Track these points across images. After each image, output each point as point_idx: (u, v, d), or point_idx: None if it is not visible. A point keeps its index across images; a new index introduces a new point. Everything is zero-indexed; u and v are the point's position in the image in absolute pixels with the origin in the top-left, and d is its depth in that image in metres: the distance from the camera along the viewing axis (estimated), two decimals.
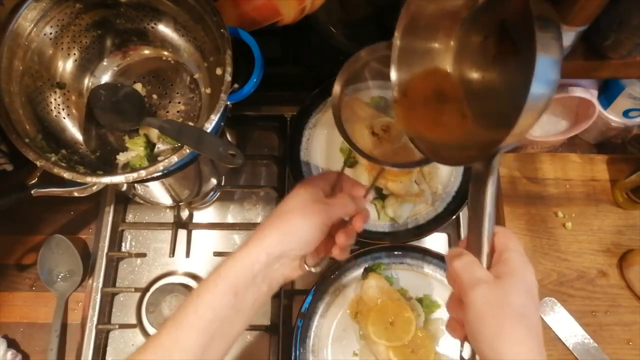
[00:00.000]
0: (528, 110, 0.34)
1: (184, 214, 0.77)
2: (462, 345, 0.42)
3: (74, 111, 0.61)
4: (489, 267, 0.41)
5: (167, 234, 0.74)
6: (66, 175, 0.51)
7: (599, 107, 0.69)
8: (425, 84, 0.48)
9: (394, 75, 0.48)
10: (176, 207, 0.75)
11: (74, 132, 0.60)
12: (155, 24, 0.62)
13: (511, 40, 0.40)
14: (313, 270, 0.49)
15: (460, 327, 0.41)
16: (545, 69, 0.34)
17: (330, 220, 0.47)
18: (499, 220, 0.75)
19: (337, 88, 0.51)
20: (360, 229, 0.51)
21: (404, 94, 0.48)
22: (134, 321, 0.70)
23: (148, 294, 0.71)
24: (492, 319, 0.37)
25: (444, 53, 0.47)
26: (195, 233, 0.76)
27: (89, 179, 0.51)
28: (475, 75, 0.46)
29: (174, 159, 0.51)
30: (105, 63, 0.64)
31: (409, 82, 0.48)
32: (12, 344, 0.70)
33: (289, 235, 0.45)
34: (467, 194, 0.71)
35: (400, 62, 0.48)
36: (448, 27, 0.46)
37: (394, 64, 0.48)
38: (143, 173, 0.51)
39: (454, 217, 0.72)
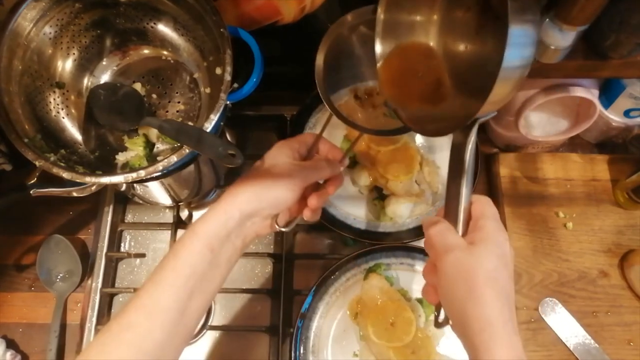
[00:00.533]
0: (502, 78, 0.35)
1: (184, 214, 0.77)
2: (436, 311, 0.44)
3: (73, 111, 0.61)
4: (464, 234, 0.42)
5: (167, 234, 0.74)
6: (65, 175, 0.51)
7: (599, 107, 0.69)
8: (409, 56, 0.49)
9: (378, 47, 0.49)
10: (175, 207, 0.74)
11: (73, 132, 0.60)
12: (154, 23, 0.62)
13: (493, 10, 0.41)
14: (284, 229, 0.50)
15: (434, 293, 0.43)
16: (519, 34, 0.34)
17: (304, 183, 0.48)
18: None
19: (320, 54, 0.51)
20: (332, 192, 0.52)
21: (388, 65, 0.49)
22: None
23: None
24: (462, 283, 0.38)
25: (428, 25, 0.48)
26: None
27: (88, 179, 0.51)
28: (458, 47, 0.47)
29: (174, 158, 0.51)
30: (104, 63, 0.63)
31: (393, 54, 0.49)
32: (11, 344, 0.70)
33: (262, 194, 0.46)
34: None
35: (384, 35, 0.49)
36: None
37: (378, 37, 0.49)
38: (142, 173, 0.51)
39: None
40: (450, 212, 0.43)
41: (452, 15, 0.47)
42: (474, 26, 0.44)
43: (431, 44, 0.49)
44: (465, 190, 0.42)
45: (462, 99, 0.45)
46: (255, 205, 0.46)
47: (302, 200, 0.50)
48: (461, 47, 0.47)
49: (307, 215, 0.51)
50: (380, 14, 0.48)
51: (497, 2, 0.40)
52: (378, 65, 0.49)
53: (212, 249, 0.44)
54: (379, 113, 0.55)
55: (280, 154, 0.49)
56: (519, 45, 0.35)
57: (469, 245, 0.40)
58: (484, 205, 0.42)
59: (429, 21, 0.48)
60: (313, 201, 0.50)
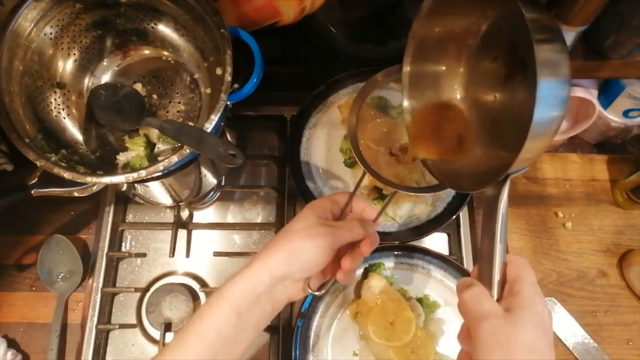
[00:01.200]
0: (534, 134, 0.33)
1: (184, 214, 0.77)
2: None
3: (74, 111, 0.61)
4: (499, 299, 0.39)
5: (167, 234, 0.74)
6: (66, 175, 0.51)
7: (599, 107, 0.69)
8: (437, 109, 0.48)
9: (405, 101, 0.48)
10: (176, 207, 0.75)
11: (74, 132, 0.60)
12: (155, 24, 0.62)
13: (520, 58, 0.40)
14: (317, 293, 0.48)
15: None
16: (550, 88, 0.32)
17: (336, 244, 0.46)
18: None
19: (353, 118, 0.51)
20: (367, 253, 0.49)
21: (417, 119, 0.48)
22: (134, 321, 0.70)
23: (148, 294, 0.71)
24: (501, 354, 0.36)
25: (455, 76, 0.47)
26: (195, 233, 0.76)
27: (89, 179, 0.51)
28: (487, 98, 0.45)
29: (174, 159, 0.51)
30: (105, 63, 0.64)
31: (421, 108, 0.48)
32: (12, 344, 0.70)
33: (294, 257, 0.45)
34: (467, 194, 0.72)
35: (411, 88, 0.48)
36: (457, 50, 0.46)
37: (405, 90, 0.48)
38: (143, 173, 0.51)
39: (454, 217, 0.72)
40: (483, 273, 0.40)
41: (479, 66, 0.45)
42: (503, 76, 0.43)
43: (458, 96, 0.48)
44: (499, 250, 0.39)
45: (493, 153, 0.43)
46: (286, 268, 0.44)
47: (336, 261, 0.49)
48: (490, 98, 0.45)
49: (341, 278, 0.49)
50: (406, 67, 0.47)
51: (525, 54, 0.39)
52: (406, 120, 0.48)
53: (239, 313, 0.43)
54: (413, 168, 0.54)
55: (311, 215, 0.48)
56: (549, 101, 0.33)
57: (505, 312, 0.37)
58: (520, 267, 0.40)
59: (456, 72, 0.47)
60: (347, 263, 0.48)
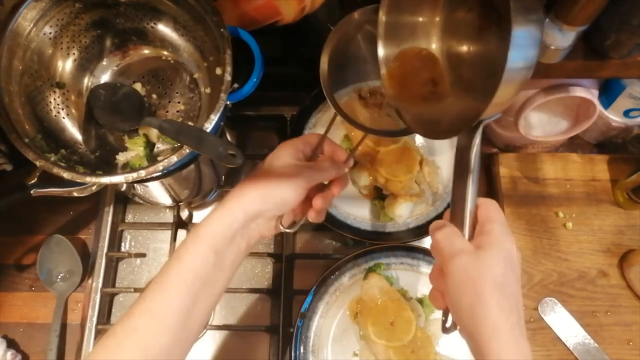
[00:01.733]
0: (506, 79, 0.34)
1: (184, 214, 0.77)
2: (444, 316, 0.43)
3: (73, 111, 0.61)
4: (471, 238, 0.41)
5: (167, 234, 0.74)
6: (66, 175, 0.51)
7: (599, 107, 0.69)
8: (412, 57, 0.49)
9: (380, 50, 0.49)
10: (176, 207, 0.75)
11: (74, 132, 0.60)
12: (155, 23, 0.62)
13: (496, 10, 0.41)
14: (288, 230, 0.50)
15: (441, 297, 0.42)
16: (522, 36, 0.34)
17: (308, 184, 0.47)
18: None
19: (325, 52, 0.52)
20: (337, 194, 0.52)
21: (391, 66, 0.49)
22: None
23: None
24: (470, 288, 0.38)
25: (430, 27, 0.48)
26: None
27: (88, 179, 0.51)
28: (461, 48, 0.46)
29: (174, 158, 0.51)
30: (104, 63, 0.64)
31: (396, 56, 0.49)
32: (11, 344, 0.70)
33: (267, 195, 0.46)
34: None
35: (387, 37, 0.49)
36: (432, 1, 0.47)
37: (381, 39, 0.49)
38: (143, 173, 0.51)
39: None
40: (456, 215, 0.42)
41: (455, 17, 0.47)
42: (477, 27, 0.44)
43: (434, 45, 0.49)
44: (471, 193, 0.41)
45: (466, 101, 0.44)
46: (260, 206, 0.46)
47: (307, 202, 0.50)
48: (464, 48, 0.46)
49: (312, 216, 0.51)
50: (382, 16, 0.48)
51: (500, 3, 0.40)
52: (381, 67, 0.49)
53: (216, 251, 0.44)
54: (382, 113, 0.55)
55: (284, 155, 0.49)
56: (522, 47, 0.34)
57: (476, 249, 0.39)
58: (490, 209, 0.41)
59: (431, 23, 0.48)
60: (318, 202, 0.50)
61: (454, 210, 0.43)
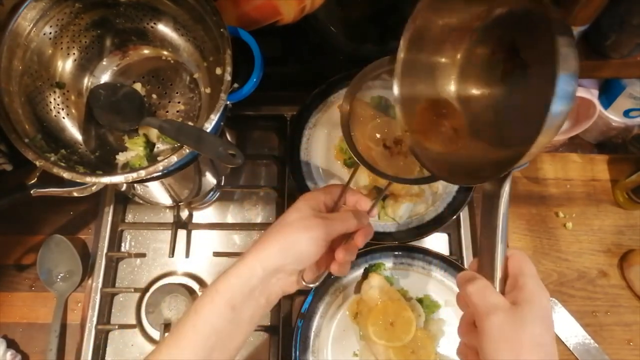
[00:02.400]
0: (547, 128, 0.33)
1: (184, 214, 0.77)
2: None
3: (73, 111, 0.61)
4: (502, 292, 0.40)
5: (167, 234, 0.74)
6: (66, 175, 0.51)
7: (599, 107, 0.69)
8: (430, 101, 0.48)
9: (396, 90, 0.47)
10: (176, 207, 0.75)
11: (74, 132, 0.60)
12: (154, 23, 0.62)
13: (520, 55, 0.40)
14: (311, 285, 0.48)
15: (472, 353, 0.40)
16: (566, 83, 0.32)
17: (330, 236, 0.46)
18: None
19: (345, 107, 0.51)
20: (361, 245, 0.49)
21: (409, 109, 0.47)
22: (133, 321, 0.70)
23: (147, 295, 0.71)
24: (508, 348, 0.36)
25: (450, 68, 0.47)
26: (194, 233, 0.76)
27: (88, 179, 0.51)
28: (482, 92, 0.45)
29: (174, 158, 0.51)
30: (104, 63, 0.63)
31: (413, 97, 0.47)
32: (11, 344, 0.70)
33: (287, 249, 0.44)
34: (468, 193, 0.72)
35: (404, 77, 0.47)
36: (454, 42, 0.46)
37: (397, 78, 0.47)
38: (142, 173, 0.51)
39: (455, 217, 0.71)
40: (484, 266, 0.40)
41: (475, 60, 0.45)
42: (499, 72, 0.42)
43: (452, 89, 0.47)
44: (500, 244, 0.39)
45: (492, 147, 0.43)
46: (279, 260, 0.44)
47: (330, 254, 0.48)
48: (485, 93, 0.45)
49: (335, 270, 0.49)
50: (401, 54, 0.46)
51: (526, 45, 0.39)
52: (397, 110, 0.47)
53: (233, 306, 0.43)
54: (408, 162, 0.53)
55: (304, 207, 0.47)
56: (564, 96, 0.33)
57: (511, 306, 0.37)
58: (522, 261, 0.40)
59: (451, 65, 0.46)
60: (340, 255, 0.48)
61: (482, 260, 0.41)
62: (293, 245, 0.45)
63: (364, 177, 0.72)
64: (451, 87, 0.47)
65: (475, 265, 0.42)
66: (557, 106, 0.32)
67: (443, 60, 0.47)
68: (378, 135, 0.68)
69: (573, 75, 0.33)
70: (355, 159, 0.50)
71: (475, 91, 0.46)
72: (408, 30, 0.45)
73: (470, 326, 0.40)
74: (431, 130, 0.47)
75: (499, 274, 0.39)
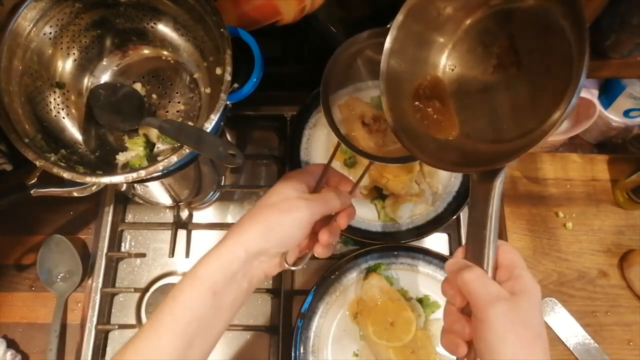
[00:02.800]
0: (557, 125, 0.33)
1: (184, 214, 0.77)
2: None
3: (73, 111, 0.61)
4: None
5: (167, 234, 0.74)
6: (66, 175, 0.51)
7: (599, 107, 0.69)
8: (417, 80, 0.46)
9: (383, 64, 0.45)
10: (176, 207, 0.75)
11: (74, 132, 0.60)
12: (154, 23, 0.62)
13: (517, 52, 0.40)
14: (293, 268, 0.47)
15: (463, 344, 0.39)
16: (576, 98, 0.33)
17: (314, 218, 0.45)
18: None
19: (328, 69, 0.50)
20: (344, 225, 0.49)
21: (394, 85, 0.46)
22: (133, 321, 0.70)
23: (147, 294, 0.71)
24: (513, 338, 0.35)
25: (443, 49, 0.46)
26: (195, 233, 0.76)
27: (88, 179, 0.51)
28: (472, 82, 0.44)
29: (174, 158, 0.51)
30: (104, 63, 0.63)
31: (399, 74, 0.46)
32: (11, 344, 0.70)
33: (269, 231, 0.43)
34: (468, 193, 0.72)
35: (393, 52, 0.45)
36: (450, 26, 0.45)
37: (386, 54, 0.45)
38: (143, 173, 0.51)
39: (455, 217, 0.72)
40: (474, 255, 0.40)
41: (469, 45, 0.44)
42: (491, 66, 0.42)
43: (442, 69, 0.46)
44: (492, 236, 0.39)
45: (480, 138, 0.42)
46: (262, 243, 0.43)
47: (313, 236, 0.48)
48: (475, 84, 0.44)
49: (319, 252, 0.48)
50: (400, 16, 0.44)
51: (526, 44, 0.39)
52: (381, 83, 0.46)
53: (214, 291, 0.41)
54: (388, 140, 0.52)
55: (286, 188, 0.46)
56: (572, 109, 0.33)
57: (511, 296, 0.37)
58: (512, 254, 0.40)
59: (444, 46, 0.46)
60: (324, 236, 0.47)
61: (470, 249, 0.40)
62: (276, 228, 0.43)
63: (364, 177, 0.72)
64: (441, 67, 0.46)
65: (462, 253, 0.41)
66: (564, 117, 0.33)
67: (438, 39, 0.46)
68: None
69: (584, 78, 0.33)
70: (334, 133, 0.49)
71: (465, 81, 0.45)
72: (405, 6, 0.44)
73: (461, 315, 0.40)
74: (417, 111, 0.46)
75: (491, 263, 0.39)
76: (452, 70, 0.46)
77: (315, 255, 0.49)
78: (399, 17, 0.44)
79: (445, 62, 0.46)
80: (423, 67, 0.47)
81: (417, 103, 0.46)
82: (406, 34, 0.45)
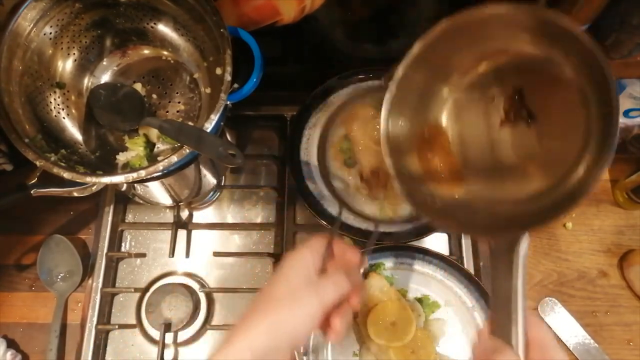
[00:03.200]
0: (591, 185, 0.31)
1: (184, 214, 0.77)
2: None
3: (73, 111, 0.61)
4: None
5: (167, 234, 0.74)
6: (66, 175, 0.51)
7: None
8: (420, 137, 0.44)
9: (384, 124, 0.43)
10: (176, 207, 0.75)
11: (74, 132, 0.60)
12: (155, 23, 0.62)
13: (525, 105, 0.38)
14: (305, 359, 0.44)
15: None
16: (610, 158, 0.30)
17: (324, 308, 0.41)
18: None
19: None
20: (357, 306, 0.45)
21: (396, 145, 0.43)
22: (133, 321, 0.70)
23: (148, 294, 0.71)
24: None
25: (443, 105, 0.43)
26: (195, 233, 0.76)
27: (88, 179, 0.51)
28: (479, 136, 0.42)
29: (174, 158, 0.51)
30: (104, 63, 0.64)
31: (402, 133, 0.43)
32: (11, 344, 0.70)
33: (277, 329, 0.39)
34: None
35: (393, 106, 0.43)
36: (456, 76, 0.43)
37: (386, 107, 0.43)
38: (143, 173, 0.51)
39: None
40: (501, 332, 0.36)
41: (473, 100, 0.42)
42: (499, 119, 0.40)
43: (444, 125, 0.43)
44: (521, 312, 0.36)
45: (504, 200, 0.39)
46: (270, 342, 0.39)
47: (324, 321, 0.43)
48: (483, 138, 0.41)
49: (333, 339, 0.44)
50: (393, 86, 0.42)
51: (538, 99, 0.37)
52: (382, 141, 0.43)
53: None
54: (390, 194, 0.50)
55: (292, 275, 0.43)
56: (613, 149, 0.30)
57: None
58: (543, 331, 0.37)
59: (445, 100, 0.43)
60: (337, 323, 0.43)
61: (499, 324, 0.37)
62: (285, 324, 0.39)
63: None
64: (444, 123, 0.44)
65: (489, 327, 0.38)
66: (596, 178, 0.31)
67: (440, 93, 0.43)
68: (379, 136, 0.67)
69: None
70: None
71: (470, 133, 0.42)
72: (409, 57, 0.41)
73: None
74: (423, 169, 0.43)
75: (521, 344, 0.36)
76: (456, 125, 0.44)
77: (330, 342, 0.45)
78: (399, 73, 0.42)
79: (448, 117, 0.44)
80: (425, 123, 0.44)
81: (421, 161, 0.44)
82: (406, 90, 0.43)
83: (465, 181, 0.42)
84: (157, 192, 0.68)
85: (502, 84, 0.40)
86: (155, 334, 0.69)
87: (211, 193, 0.76)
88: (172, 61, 0.64)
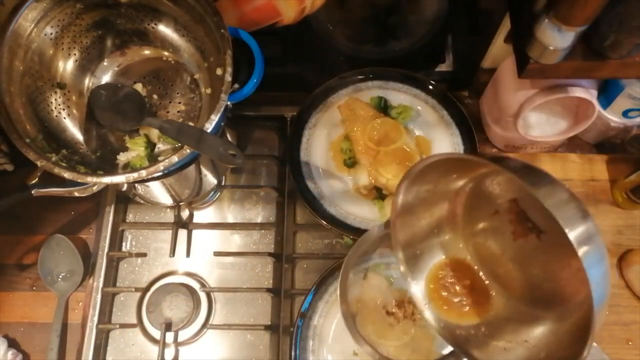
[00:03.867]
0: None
1: (184, 213, 0.77)
2: None
3: (74, 111, 0.61)
4: None
5: (168, 234, 0.74)
6: (67, 175, 0.51)
7: (598, 107, 0.69)
8: (437, 265, 0.46)
9: (402, 267, 0.45)
10: (176, 207, 0.75)
11: (75, 132, 0.60)
12: (155, 24, 0.62)
13: (528, 218, 0.38)
14: None
15: None
16: (598, 276, 0.31)
17: None
18: None
19: (345, 307, 0.50)
20: None
21: (422, 278, 0.45)
22: (134, 321, 0.70)
23: (148, 294, 0.71)
24: None
25: (454, 231, 0.45)
26: (195, 233, 0.76)
27: (89, 179, 0.51)
28: (495, 255, 0.42)
29: (175, 159, 0.51)
30: (105, 63, 0.64)
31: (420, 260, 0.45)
32: (12, 343, 0.70)
33: None
34: None
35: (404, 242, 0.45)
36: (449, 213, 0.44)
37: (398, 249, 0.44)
38: (144, 173, 0.51)
39: None
40: None
41: (480, 221, 0.43)
42: (510, 233, 0.40)
43: (457, 249, 0.45)
44: None
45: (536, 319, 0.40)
46: None
47: None
48: (498, 254, 0.42)
49: None
50: (396, 222, 0.44)
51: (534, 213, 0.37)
52: (408, 279, 0.44)
53: None
54: (417, 325, 0.50)
55: None
56: (601, 282, 0.31)
57: None
58: None
59: (454, 228, 0.45)
60: None
61: None
62: None
63: (364, 177, 0.72)
64: (457, 247, 0.45)
65: None
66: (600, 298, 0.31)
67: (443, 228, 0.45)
68: (378, 136, 0.68)
69: (601, 268, 0.31)
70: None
71: (486, 251, 0.43)
72: (397, 202, 0.44)
73: None
74: (446, 299, 0.45)
75: None
76: (471, 247, 0.45)
77: None
78: (393, 212, 0.45)
79: (461, 240, 0.45)
80: (439, 250, 0.46)
81: (443, 291, 0.46)
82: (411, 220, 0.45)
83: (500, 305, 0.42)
84: (158, 192, 0.69)
85: (503, 199, 0.41)
86: (156, 333, 0.69)
87: (212, 193, 0.77)
88: (172, 62, 0.64)
